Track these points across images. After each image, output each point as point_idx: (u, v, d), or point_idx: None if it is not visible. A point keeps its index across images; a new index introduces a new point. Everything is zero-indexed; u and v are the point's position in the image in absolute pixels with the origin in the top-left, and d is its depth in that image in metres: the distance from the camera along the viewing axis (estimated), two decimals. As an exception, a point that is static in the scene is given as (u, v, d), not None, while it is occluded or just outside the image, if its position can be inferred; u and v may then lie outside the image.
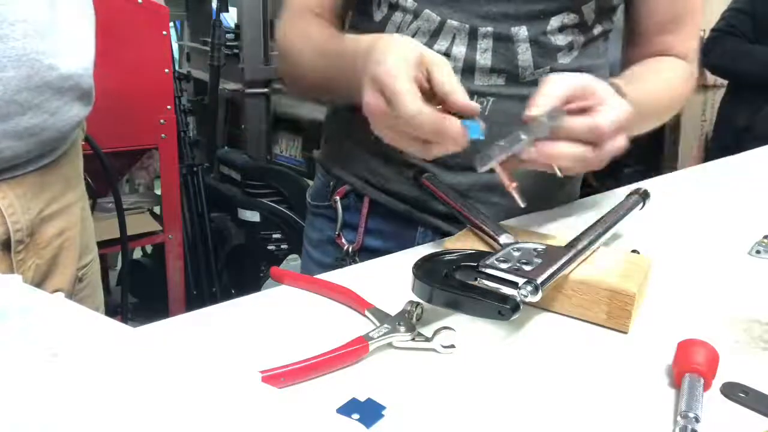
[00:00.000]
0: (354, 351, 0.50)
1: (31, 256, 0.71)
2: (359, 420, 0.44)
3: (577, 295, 0.59)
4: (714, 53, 2.22)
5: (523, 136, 0.61)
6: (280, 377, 0.47)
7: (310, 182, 1.02)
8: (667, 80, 0.83)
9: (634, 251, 0.68)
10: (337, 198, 0.88)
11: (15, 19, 0.62)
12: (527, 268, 0.56)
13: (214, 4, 2.95)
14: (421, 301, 0.55)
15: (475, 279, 0.56)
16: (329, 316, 0.58)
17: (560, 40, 0.78)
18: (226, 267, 2.50)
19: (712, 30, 2.27)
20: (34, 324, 0.39)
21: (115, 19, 1.71)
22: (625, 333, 0.57)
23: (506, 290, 0.54)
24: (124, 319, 1.89)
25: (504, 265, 0.56)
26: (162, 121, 1.89)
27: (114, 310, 1.90)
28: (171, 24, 2.70)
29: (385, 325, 0.53)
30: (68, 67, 0.68)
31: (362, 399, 0.46)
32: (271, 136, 3.04)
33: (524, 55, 0.77)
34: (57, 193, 0.74)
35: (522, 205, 0.64)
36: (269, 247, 2.47)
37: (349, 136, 0.87)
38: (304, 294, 0.62)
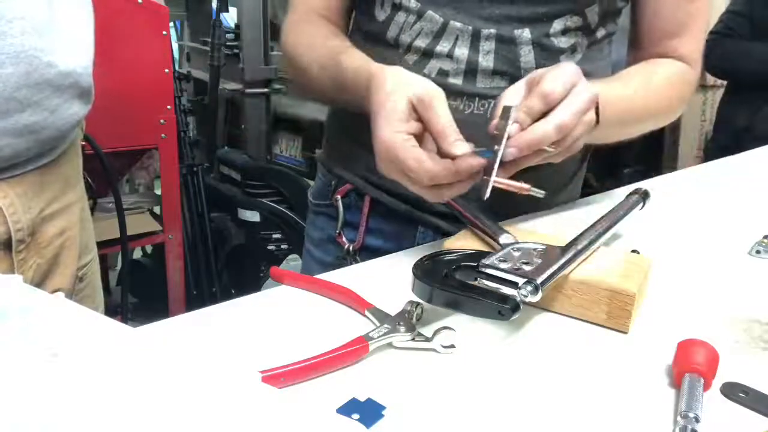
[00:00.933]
0: (354, 351, 0.50)
1: (32, 255, 0.71)
2: (359, 420, 0.44)
3: (577, 295, 0.59)
4: (713, 55, 2.21)
5: (496, 148, 0.61)
6: (280, 377, 0.47)
7: (311, 182, 1.02)
8: (658, 81, 0.81)
9: (634, 251, 0.68)
10: (338, 197, 0.89)
11: (13, 16, 0.62)
12: (527, 268, 0.56)
13: (214, 4, 2.95)
14: (421, 301, 0.55)
15: (475, 279, 0.56)
16: (329, 316, 0.58)
17: (563, 42, 0.78)
18: (226, 267, 2.50)
19: (710, 33, 2.27)
20: (34, 324, 0.39)
21: (115, 19, 1.71)
22: (625, 333, 0.57)
23: (506, 290, 0.54)
24: (124, 319, 1.89)
25: (504, 265, 0.56)
26: (162, 121, 1.89)
27: (114, 310, 1.90)
28: (171, 24, 2.70)
29: (385, 325, 0.53)
30: (67, 64, 0.68)
31: (362, 399, 0.46)
32: (271, 136, 3.04)
33: (527, 57, 0.77)
34: (57, 192, 0.74)
35: (542, 195, 0.64)
36: (269, 247, 2.47)
37: (351, 136, 0.87)
38: (304, 294, 0.62)
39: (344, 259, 0.88)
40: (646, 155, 3.01)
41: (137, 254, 2.54)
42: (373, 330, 0.53)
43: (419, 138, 0.64)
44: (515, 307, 0.50)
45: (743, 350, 0.55)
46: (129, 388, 0.34)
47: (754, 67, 2.17)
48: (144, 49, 1.81)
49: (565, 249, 0.60)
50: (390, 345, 0.52)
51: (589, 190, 0.97)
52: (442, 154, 0.62)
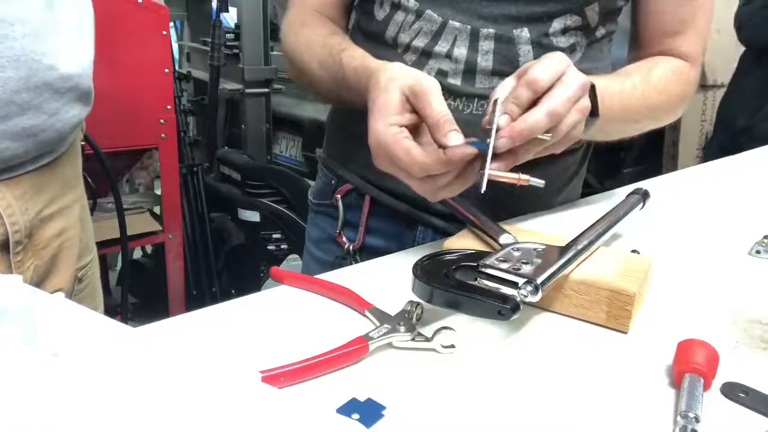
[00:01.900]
0: (354, 351, 0.50)
1: (30, 257, 0.71)
2: (359, 420, 0.44)
3: (577, 295, 0.59)
4: (751, 24, 2.17)
5: (488, 140, 0.61)
6: (280, 377, 0.47)
7: (311, 182, 1.02)
8: (658, 79, 0.80)
9: (634, 251, 0.68)
10: (339, 197, 0.89)
11: (14, 20, 0.62)
12: (527, 268, 0.56)
13: (214, 4, 2.95)
14: (421, 301, 0.55)
15: (475, 279, 0.56)
16: (329, 316, 0.58)
17: (563, 42, 0.78)
18: (226, 267, 2.50)
19: (745, 4, 2.22)
20: (34, 324, 0.39)
21: (115, 19, 1.71)
22: (625, 333, 0.57)
23: (506, 290, 0.54)
24: (124, 319, 1.89)
25: (504, 265, 0.56)
26: (162, 121, 1.89)
27: (114, 310, 1.90)
28: (171, 24, 2.71)
29: (385, 325, 0.53)
30: (67, 67, 0.68)
31: (362, 399, 0.46)
32: (271, 136, 3.04)
33: (526, 57, 0.76)
34: (56, 193, 0.74)
35: (541, 184, 0.64)
36: (269, 247, 2.47)
37: (351, 136, 0.87)
38: (304, 294, 0.62)
39: (344, 258, 0.89)
40: (646, 155, 3.01)
41: (137, 254, 2.54)
42: (373, 330, 0.53)
43: (416, 130, 0.63)
44: (515, 307, 0.50)
45: (743, 350, 0.55)
46: (129, 388, 0.34)
47: None
48: (144, 49, 1.81)
49: (565, 249, 0.60)
50: (390, 345, 0.52)
51: (589, 190, 0.97)
52: (437, 145, 0.61)
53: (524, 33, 0.76)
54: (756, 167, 1.20)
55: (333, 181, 0.91)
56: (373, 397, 0.46)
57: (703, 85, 2.91)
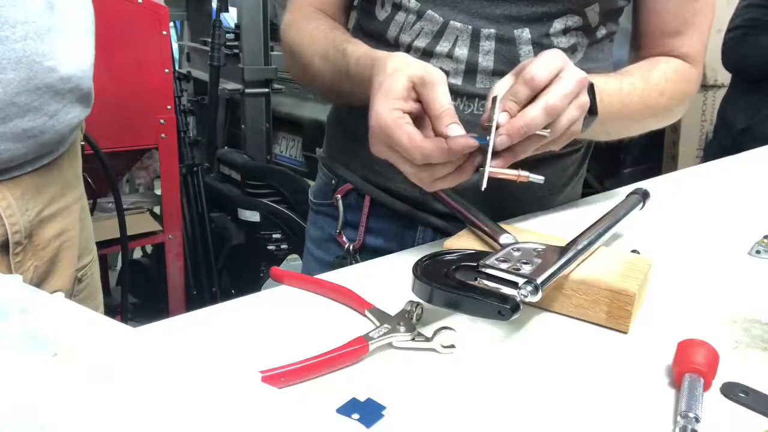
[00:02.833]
0: (354, 351, 0.50)
1: (30, 257, 0.71)
2: (359, 420, 0.44)
3: (577, 295, 0.59)
4: (733, 53, 2.16)
5: (488, 138, 0.61)
6: (280, 377, 0.47)
7: (311, 182, 1.02)
8: (658, 78, 0.80)
9: (634, 251, 0.68)
10: (339, 196, 0.89)
11: (15, 21, 0.62)
12: (527, 268, 0.56)
13: (214, 4, 2.95)
14: (421, 301, 0.55)
15: (475, 279, 0.56)
16: (329, 316, 0.58)
17: (563, 42, 0.78)
18: (226, 267, 2.50)
19: (731, 29, 2.22)
20: (34, 324, 0.39)
21: (115, 19, 1.71)
22: (625, 333, 0.57)
23: (506, 290, 0.54)
24: (124, 319, 1.89)
25: (504, 265, 0.56)
26: (162, 121, 1.89)
27: (114, 310, 1.90)
28: (171, 24, 2.70)
29: (385, 325, 0.53)
30: (68, 69, 0.68)
31: (362, 399, 0.46)
32: (271, 136, 3.04)
33: (527, 57, 0.76)
34: (56, 193, 0.74)
35: (541, 180, 0.64)
36: (269, 247, 2.47)
37: (351, 135, 0.87)
38: (304, 294, 0.62)
39: (344, 258, 0.89)
40: (646, 155, 3.01)
41: (137, 254, 2.54)
42: (373, 330, 0.53)
43: (417, 120, 0.63)
44: (515, 307, 0.50)
45: (743, 350, 0.55)
46: (129, 388, 0.34)
47: None
48: (144, 49, 1.81)
49: (565, 249, 0.60)
50: (390, 345, 0.52)
51: (589, 190, 0.97)
52: (438, 136, 0.61)
53: (525, 33, 0.76)
54: (756, 167, 1.20)
55: (333, 181, 0.91)
56: (373, 397, 0.46)
57: (703, 85, 2.90)
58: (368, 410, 0.45)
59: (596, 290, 0.58)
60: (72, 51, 0.69)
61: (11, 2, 0.62)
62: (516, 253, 0.59)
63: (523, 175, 0.63)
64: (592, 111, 0.67)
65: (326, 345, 0.50)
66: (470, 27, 0.76)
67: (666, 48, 0.83)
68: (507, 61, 0.76)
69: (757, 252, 0.75)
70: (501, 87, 0.65)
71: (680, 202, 0.96)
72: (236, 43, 2.88)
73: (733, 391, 0.48)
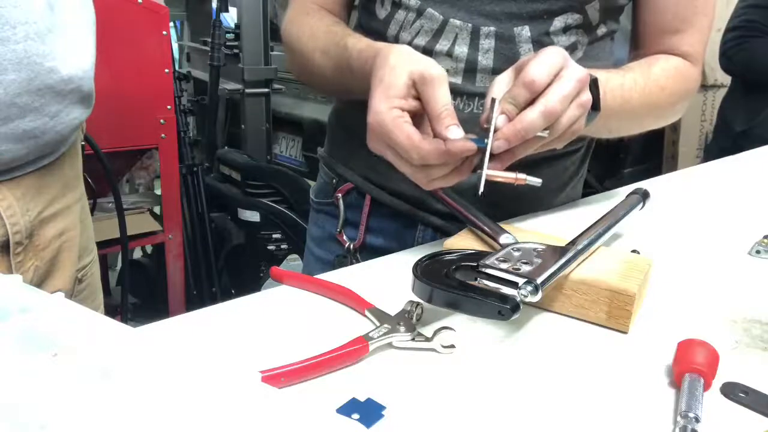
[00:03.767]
0: (354, 351, 0.50)
1: (30, 257, 0.71)
2: (359, 420, 0.44)
3: (577, 295, 0.59)
4: (739, 56, 2.15)
5: (486, 141, 0.61)
6: (280, 377, 0.47)
7: (311, 182, 1.02)
8: (658, 75, 0.80)
9: (634, 251, 0.68)
10: (339, 195, 0.89)
11: (16, 22, 0.62)
12: (527, 268, 0.56)
13: (214, 4, 2.95)
14: (421, 301, 0.55)
15: (475, 279, 0.56)
16: (329, 316, 0.58)
17: (564, 40, 0.77)
18: (226, 267, 2.50)
19: (730, 30, 2.20)
20: (34, 324, 0.39)
21: (115, 19, 1.71)
22: (625, 333, 0.57)
23: (506, 290, 0.54)
24: (124, 319, 1.89)
25: (504, 265, 0.56)
26: (162, 121, 1.89)
27: (114, 310, 1.90)
28: (171, 24, 2.70)
29: (385, 325, 0.53)
30: (69, 70, 0.68)
31: (362, 399, 0.46)
32: (271, 136, 3.04)
33: (527, 55, 0.76)
34: (56, 194, 0.74)
35: (538, 183, 0.64)
36: (269, 247, 2.47)
37: (352, 135, 0.87)
38: (304, 294, 0.62)
39: (345, 257, 0.89)
40: (646, 155, 3.01)
41: (137, 254, 2.54)
42: (373, 330, 0.53)
43: (416, 118, 0.63)
44: (515, 307, 0.50)
45: (743, 350, 0.55)
46: (129, 389, 0.34)
47: None
48: (144, 49, 1.81)
49: (565, 249, 0.60)
50: (390, 345, 0.52)
51: (589, 191, 0.97)
52: (436, 136, 0.61)
53: (525, 31, 0.76)
54: (756, 167, 1.20)
55: (334, 180, 0.91)
56: (373, 397, 0.46)
57: (703, 85, 2.90)
58: (368, 410, 0.45)
59: (596, 290, 0.58)
60: (73, 52, 0.69)
61: (12, 3, 0.62)
62: (516, 253, 0.59)
63: (521, 177, 0.63)
64: (596, 106, 0.67)
65: (326, 345, 0.50)
66: (470, 25, 0.76)
67: (666, 46, 0.83)
68: (507, 60, 0.76)
69: (757, 252, 0.75)
70: (500, 84, 0.64)
71: (680, 202, 0.96)
72: (236, 43, 2.89)
73: (733, 391, 0.48)
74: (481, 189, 0.61)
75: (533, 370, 0.51)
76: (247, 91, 2.82)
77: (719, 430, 0.45)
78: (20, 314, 0.40)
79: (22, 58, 0.63)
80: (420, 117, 0.64)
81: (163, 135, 1.90)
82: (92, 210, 1.26)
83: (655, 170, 2.91)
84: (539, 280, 0.53)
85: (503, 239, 0.64)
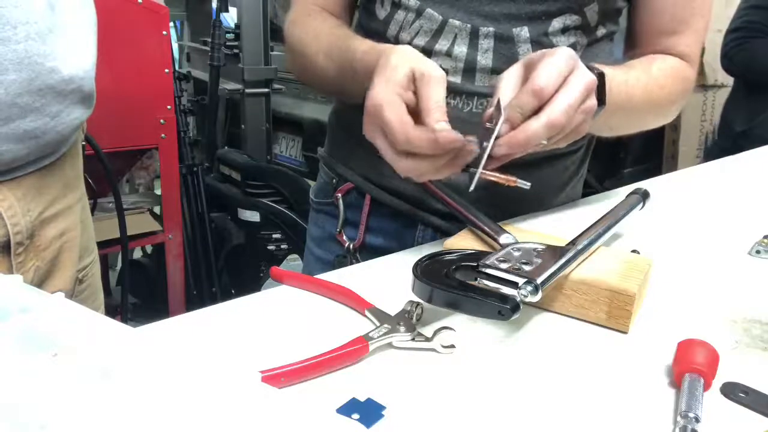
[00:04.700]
0: (354, 351, 0.50)
1: (31, 258, 0.71)
2: (359, 420, 0.44)
3: (577, 295, 0.59)
4: (740, 56, 2.14)
5: (485, 144, 0.61)
6: (280, 377, 0.47)
7: (311, 182, 1.02)
8: (657, 74, 0.80)
9: (634, 251, 0.68)
10: (339, 195, 0.89)
11: (17, 22, 0.62)
12: (527, 268, 0.56)
13: (214, 4, 2.95)
14: (421, 301, 0.55)
15: (475, 279, 0.56)
16: (329, 316, 0.58)
17: (562, 41, 0.78)
18: (226, 267, 2.50)
19: (731, 31, 2.20)
20: (34, 324, 0.39)
21: (115, 19, 1.71)
22: (625, 333, 0.57)
23: (506, 290, 0.54)
24: (124, 319, 1.89)
25: (504, 265, 0.56)
26: (162, 121, 1.89)
27: (114, 310, 1.90)
28: (171, 24, 2.70)
29: (385, 325, 0.53)
30: (70, 70, 0.68)
31: (362, 399, 0.46)
32: (271, 136, 3.04)
33: (525, 56, 0.76)
34: (57, 194, 0.74)
35: (527, 186, 0.64)
36: (269, 247, 2.47)
37: (352, 134, 0.87)
38: (304, 294, 0.62)
39: (344, 257, 0.89)
40: (646, 155, 3.01)
41: (137, 254, 2.54)
42: (373, 330, 0.53)
43: (413, 115, 0.63)
44: (515, 307, 0.50)
45: (743, 350, 0.55)
46: (129, 389, 0.34)
47: None
48: (144, 49, 1.81)
49: (565, 249, 0.60)
50: (390, 345, 0.52)
51: (589, 191, 0.97)
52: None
53: (524, 32, 0.76)
54: (756, 167, 1.20)
55: (334, 180, 0.91)
56: (373, 397, 0.46)
57: (703, 85, 2.91)
58: (368, 410, 0.45)
59: (596, 290, 0.58)
60: (74, 52, 0.69)
61: (13, 3, 0.62)
62: (516, 253, 0.59)
63: (512, 179, 0.63)
64: (601, 101, 0.67)
65: (326, 345, 0.50)
66: (469, 25, 0.76)
67: (662, 47, 0.83)
68: (506, 60, 0.76)
69: (757, 252, 0.75)
70: (508, 81, 0.64)
71: (680, 202, 0.96)
72: (236, 43, 2.88)
73: (733, 391, 0.48)
74: (472, 187, 0.61)
75: (533, 370, 0.51)
76: (247, 91, 2.82)
77: (719, 430, 0.45)
78: (20, 314, 0.40)
79: (23, 58, 0.63)
80: (417, 113, 0.64)
81: (163, 135, 1.90)
82: (92, 210, 1.26)
83: (655, 170, 2.91)
84: (539, 280, 0.53)
85: (503, 239, 0.64)
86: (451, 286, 0.54)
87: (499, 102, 0.62)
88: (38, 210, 0.70)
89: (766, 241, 0.75)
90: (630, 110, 0.78)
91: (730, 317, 0.60)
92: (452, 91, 0.77)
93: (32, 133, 0.66)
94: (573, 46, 0.78)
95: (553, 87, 0.61)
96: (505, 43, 0.76)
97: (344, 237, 0.89)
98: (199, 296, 2.30)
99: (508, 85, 0.64)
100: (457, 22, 0.76)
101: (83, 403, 0.33)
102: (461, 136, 0.60)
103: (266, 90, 2.87)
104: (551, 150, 0.68)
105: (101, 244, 0.96)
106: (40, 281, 0.73)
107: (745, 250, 0.76)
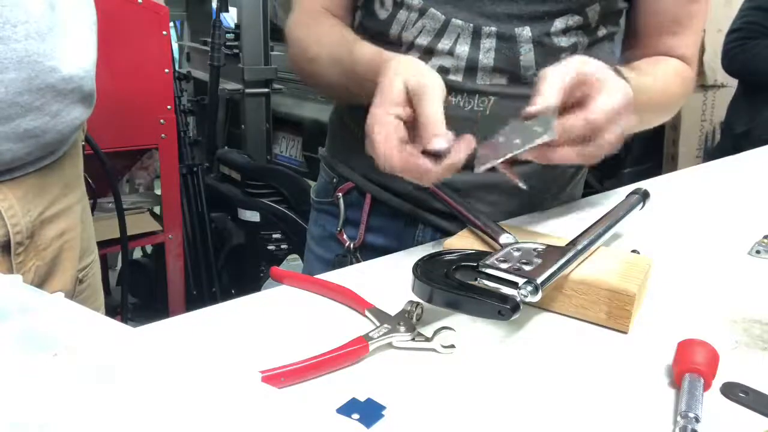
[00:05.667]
0: (354, 351, 0.50)
1: (31, 258, 0.71)
2: (359, 420, 0.44)
3: (577, 295, 0.59)
4: (739, 58, 2.14)
5: (517, 140, 0.61)
6: (280, 377, 0.47)
7: (311, 182, 1.02)
8: (664, 77, 0.82)
9: (634, 251, 0.68)
10: (340, 194, 0.89)
11: (17, 21, 0.62)
12: (527, 268, 0.56)
13: (214, 4, 2.95)
14: (421, 301, 0.55)
15: (475, 279, 0.56)
16: (329, 316, 0.58)
17: (564, 41, 0.78)
18: (226, 267, 2.50)
19: (732, 31, 2.20)
20: (34, 324, 0.39)
21: (115, 19, 1.71)
22: (625, 333, 0.57)
23: (506, 290, 0.54)
24: (124, 319, 1.89)
25: (504, 265, 0.56)
26: (162, 121, 1.89)
27: (114, 310, 1.90)
28: (171, 24, 2.70)
29: (385, 325, 0.53)
30: (70, 69, 0.68)
31: (362, 399, 0.46)
32: (271, 136, 3.04)
33: (527, 55, 0.77)
34: (57, 194, 0.74)
35: (524, 187, 0.65)
36: (269, 247, 2.47)
37: (353, 134, 0.87)
38: (304, 294, 0.62)
39: (345, 256, 0.89)
40: (646, 155, 3.01)
41: (137, 254, 2.54)
42: (373, 330, 0.53)
43: (412, 127, 0.63)
44: (515, 307, 0.50)
45: (743, 350, 0.55)
46: (129, 389, 0.34)
47: None
48: (144, 49, 1.81)
49: (565, 249, 0.60)
50: (390, 345, 0.52)
51: (589, 191, 0.97)
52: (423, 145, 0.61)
53: (526, 32, 0.76)
54: (756, 167, 1.20)
55: (334, 180, 0.91)
56: (373, 397, 0.46)
57: (703, 85, 2.90)
58: (368, 410, 0.45)
59: (596, 290, 0.58)
60: (74, 51, 0.69)
61: (13, 2, 0.62)
62: (516, 253, 0.59)
63: (515, 176, 0.64)
64: None
65: (326, 345, 0.50)
66: (471, 25, 0.76)
67: (662, 48, 0.83)
68: (507, 59, 0.77)
69: (757, 252, 0.75)
70: (552, 83, 0.62)
71: (680, 202, 0.96)
72: (236, 43, 2.88)
73: (733, 391, 0.48)
74: (479, 170, 0.62)
75: (533, 370, 0.51)
76: (247, 91, 2.82)
77: (719, 430, 0.45)
78: (20, 314, 0.40)
79: (23, 57, 0.63)
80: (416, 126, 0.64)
81: (163, 135, 1.90)
82: (92, 210, 1.26)
83: (655, 170, 2.91)
84: (539, 280, 0.53)
85: (503, 239, 0.64)
86: (451, 286, 0.54)
87: (549, 109, 0.61)
88: (38, 210, 0.70)
89: (766, 241, 0.75)
90: (640, 116, 0.78)
91: (730, 317, 0.60)
92: (454, 89, 0.77)
93: (32, 132, 0.66)
94: (574, 46, 0.79)
95: (603, 124, 0.62)
96: (506, 43, 0.76)
97: (345, 236, 0.89)
98: (199, 296, 2.30)
99: (551, 88, 0.62)
100: (460, 22, 0.76)
101: (83, 403, 0.33)
102: (448, 145, 0.60)
103: (266, 90, 2.87)
104: None
105: (101, 244, 0.96)
106: (41, 281, 0.73)
107: (745, 250, 0.76)
